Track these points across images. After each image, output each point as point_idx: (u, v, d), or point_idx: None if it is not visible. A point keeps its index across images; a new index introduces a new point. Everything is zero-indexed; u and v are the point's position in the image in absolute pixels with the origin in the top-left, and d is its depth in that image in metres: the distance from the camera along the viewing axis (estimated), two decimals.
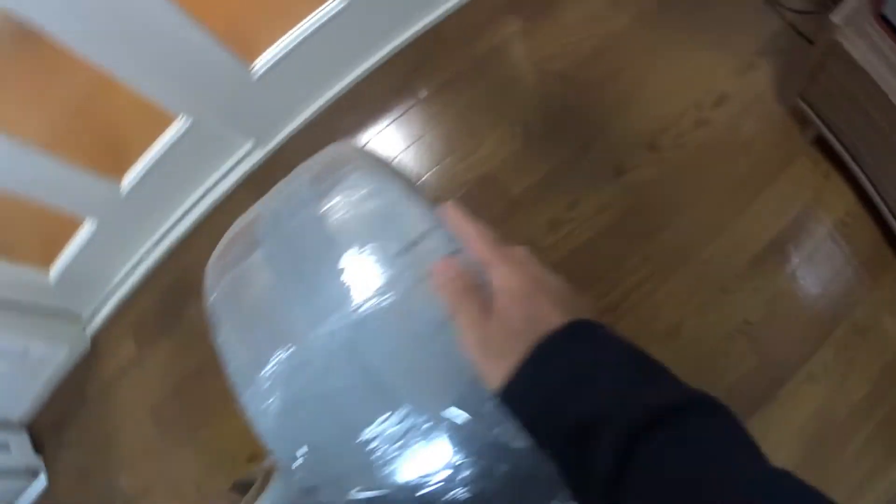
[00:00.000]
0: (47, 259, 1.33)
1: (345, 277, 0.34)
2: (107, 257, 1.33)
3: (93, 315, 1.40)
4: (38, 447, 1.45)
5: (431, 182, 1.17)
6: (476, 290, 0.30)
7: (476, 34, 1.22)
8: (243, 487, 0.48)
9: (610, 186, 1.08)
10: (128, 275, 1.35)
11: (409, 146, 1.20)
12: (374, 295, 0.33)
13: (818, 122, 1.03)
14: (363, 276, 0.34)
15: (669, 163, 1.10)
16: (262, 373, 0.34)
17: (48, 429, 1.47)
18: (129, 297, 1.38)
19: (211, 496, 1.24)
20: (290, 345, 0.34)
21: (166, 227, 1.31)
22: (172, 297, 1.34)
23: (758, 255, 1.07)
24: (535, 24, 1.20)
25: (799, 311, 1.05)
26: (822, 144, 1.08)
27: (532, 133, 1.13)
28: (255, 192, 1.31)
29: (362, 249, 0.35)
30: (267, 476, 0.45)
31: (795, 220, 1.09)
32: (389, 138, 1.22)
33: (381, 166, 0.42)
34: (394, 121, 1.22)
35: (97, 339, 1.42)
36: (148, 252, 1.33)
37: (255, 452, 1.19)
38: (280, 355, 0.34)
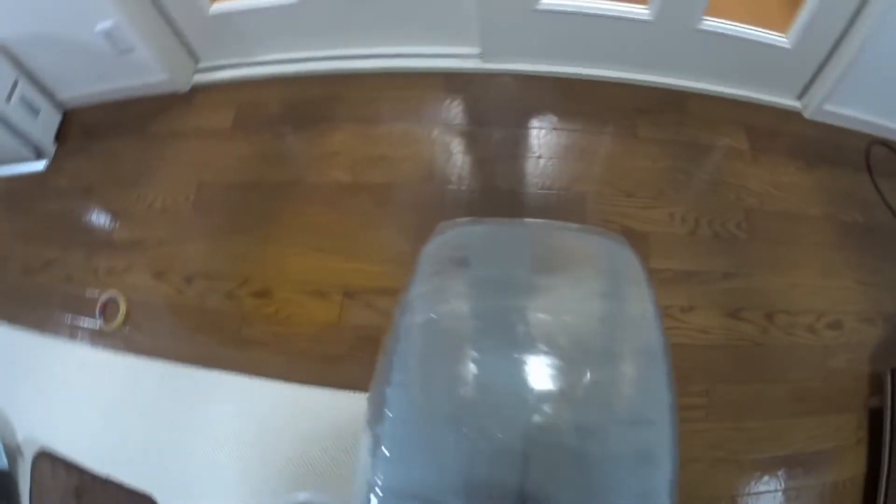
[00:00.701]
0: None
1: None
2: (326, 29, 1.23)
3: (212, 70, 1.31)
4: (60, 136, 1.33)
5: (589, 196, 1.19)
6: None
7: (709, 125, 1.27)
8: None
9: (721, 319, 1.14)
10: (276, 63, 1.27)
11: (593, 160, 1.23)
12: None
13: (888, 402, 1.12)
14: None
15: (771, 338, 1.17)
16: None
17: (83, 129, 1.34)
18: (258, 80, 1.29)
19: (193, 298, 1.16)
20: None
21: (349, 52, 1.24)
22: (296, 112, 1.27)
23: (775, 457, 1.14)
24: (756, 156, 1.26)
25: None
26: (874, 417, 1.17)
27: (699, 233, 1.18)
28: (444, 89, 1.30)
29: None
30: None
31: (813, 455, 1.17)
32: (584, 142, 1.24)
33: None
34: (599, 133, 1.25)
35: (197, 90, 1.32)
36: (310, 59, 1.26)
37: (266, 289, 1.12)
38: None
